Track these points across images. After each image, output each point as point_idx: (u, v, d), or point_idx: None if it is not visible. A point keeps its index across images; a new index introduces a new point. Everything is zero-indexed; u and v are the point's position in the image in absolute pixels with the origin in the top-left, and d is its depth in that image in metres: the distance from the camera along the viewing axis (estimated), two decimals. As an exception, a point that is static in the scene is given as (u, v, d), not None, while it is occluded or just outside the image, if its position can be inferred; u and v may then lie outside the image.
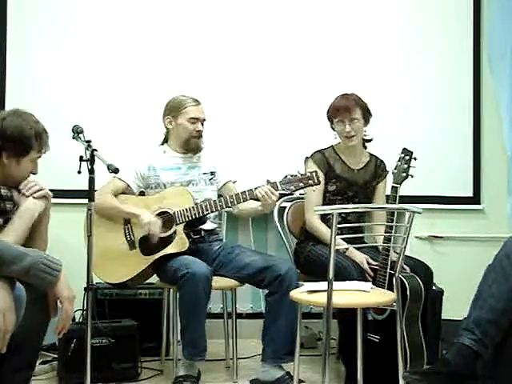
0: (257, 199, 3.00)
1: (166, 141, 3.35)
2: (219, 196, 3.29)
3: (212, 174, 3.32)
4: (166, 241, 3.06)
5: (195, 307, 2.93)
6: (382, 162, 3.43)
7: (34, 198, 2.41)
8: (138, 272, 3.08)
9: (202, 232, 3.17)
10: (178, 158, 3.29)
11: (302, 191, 3.27)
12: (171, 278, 3.03)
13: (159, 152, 3.31)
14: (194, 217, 3.05)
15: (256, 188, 2.98)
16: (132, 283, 3.15)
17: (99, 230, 3.01)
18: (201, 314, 2.96)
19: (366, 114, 3.26)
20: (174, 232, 3.06)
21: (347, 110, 3.19)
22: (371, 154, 3.42)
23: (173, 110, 3.25)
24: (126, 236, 3.14)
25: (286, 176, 2.96)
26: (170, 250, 3.05)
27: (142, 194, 3.27)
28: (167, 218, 3.09)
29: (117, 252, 3.11)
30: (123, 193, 3.23)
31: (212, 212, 3.11)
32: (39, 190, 2.43)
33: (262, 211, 3.13)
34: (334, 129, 3.30)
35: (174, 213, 3.07)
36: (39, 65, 3.94)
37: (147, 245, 3.08)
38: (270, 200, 2.96)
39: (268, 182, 2.97)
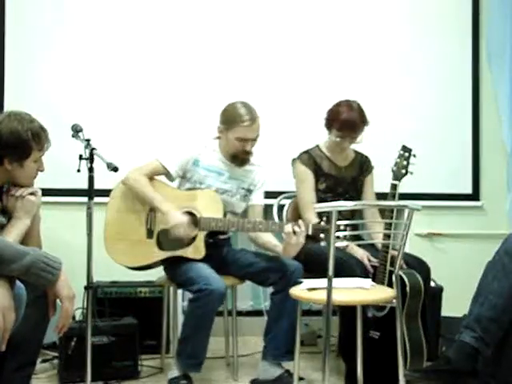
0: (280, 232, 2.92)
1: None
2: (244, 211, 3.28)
3: (248, 191, 3.24)
4: (184, 242, 3.02)
5: (205, 322, 2.90)
6: (366, 157, 3.46)
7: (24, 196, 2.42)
8: (146, 263, 3.06)
9: (217, 238, 3.13)
10: (224, 163, 3.19)
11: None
12: (183, 283, 3.02)
13: (209, 148, 3.20)
14: (218, 229, 3.00)
15: (287, 222, 2.93)
16: (136, 269, 3.12)
17: (123, 206, 3.05)
18: (209, 328, 2.92)
19: (364, 127, 3.26)
20: (195, 237, 3.02)
21: (353, 129, 3.19)
22: (355, 151, 3.44)
23: (226, 121, 3.12)
24: (146, 222, 3.08)
25: (319, 222, 2.87)
26: (185, 253, 3.01)
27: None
28: (191, 221, 3.03)
29: (133, 235, 3.06)
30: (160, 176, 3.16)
31: (237, 230, 3.07)
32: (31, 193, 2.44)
33: (278, 251, 3.05)
34: (329, 132, 3.29)
35: (200, 218, 3.01)
36: (38, 63, 3.93)
37: (164, 239, 3.05)
38: (295, 240, 2.85)
39: (301, 222, 2.89)
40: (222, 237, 3.18)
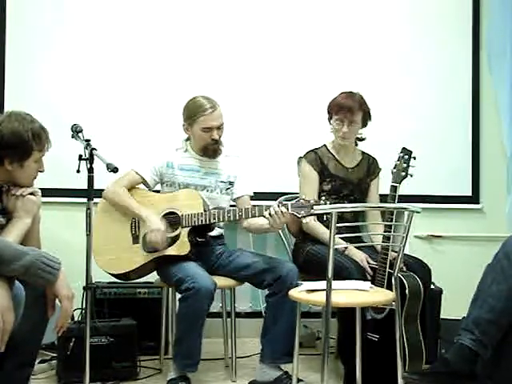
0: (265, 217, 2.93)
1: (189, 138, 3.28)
2: (232, 206, 3.28)
3: (230, 183, 3.27)
4: (170, 241, 3.05)
5: (196, 321, 2.91)
6: (374, 159, 3.44)
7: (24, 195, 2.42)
8: (135, 267, 3.08)
9: (207, 237, 3.14)
10: (197, 159, 3.23)
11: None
12: (173, 285, 3.04)
13: (181, 149, 3.26)
14: (200, 223, 3.02)
15: (268, 207, 2.92)
16: (129, 277, 3.15)
17: (107, 218, 3.12)
18: (200, 327, 2.93)
19: (366, 119, 3.26)
20: (178, 234, 3.05)
21: (350, 111, 3.17)
22: (363, 153, 3.43)
23: (188, 117, 3.17)
24: (131, 228, 3.13)
25: (298, 200, 2.85)
26: (169, 251, 3.04)
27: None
28: (174, 220, 3.07)
29: (119, 242, 3.11)
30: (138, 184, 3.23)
31: (220, 221, 3.09)
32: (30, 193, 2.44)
33: (269, 230, 3.06)
34: (331, 123, 3.29)
35: (182, 215, 3.05)
36: (38, 64, 3.93)
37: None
38: (278, 221, 2.86)
39: (280, 203, 2.89)
40: (211, 234, 3.17)
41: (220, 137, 3.19)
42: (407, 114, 4.13)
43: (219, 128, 3.17)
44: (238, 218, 3.01)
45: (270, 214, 2.86)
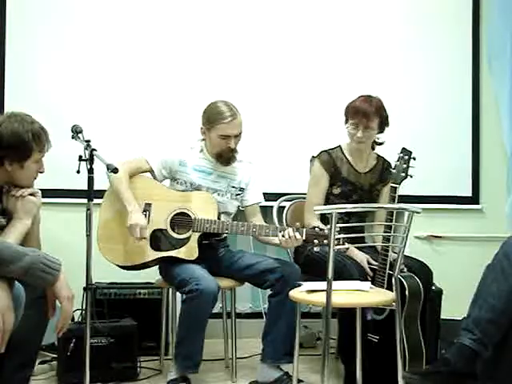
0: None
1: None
2: (239, 209, 3.28)
3: (241, 190, 3.26)
4: (178, 242, 3.05)
5: (198, 323, 2.91)
6: (389, 163, 3.34)
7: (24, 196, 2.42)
8: (140, 262, 3.06)
9: (212, 240, 3.14)
10: (211, 162, 3.20)
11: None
12: (176, 285, 3.04)
13: (196, 149, 3.22)
14: (212, 231, 3.02)
15: (282, 230, 2.94)
16: (128, 268, 3.13)
17: (116, 207, 3.08)
18: (203, 328, 2.93)
19: (383, 124, 3.21)
20: (188, 238, 3.04)
21: (365, 116, 3.11)
22: (379, 156, 3.37)
23: (207, 121, 3.12)
24: None
25: (314, 227, 2.88)
26: (177, 254, 3.03)
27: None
28: (185, 221, 3.06)
29: (126, 235, 3.05)
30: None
31: (231, 233, 3.09)
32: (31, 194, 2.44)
33: (278, 246, 3.09)
34: (346, 126, 3.23)
35: (195, 219, 3.04)
36: (38, 65, 3.93)
37: (158, 239, 3.06)
38: (290, 244, 2.91)
39: (295, 228, 2.90)
40: (216, 238, 3.18)
41: (236, 145, 3.15)
42: (407, 114, 4.12)
43: (237, 136, 3.14)
44: (251, 233, 3.03)
45: (283, 236, 2.90)
